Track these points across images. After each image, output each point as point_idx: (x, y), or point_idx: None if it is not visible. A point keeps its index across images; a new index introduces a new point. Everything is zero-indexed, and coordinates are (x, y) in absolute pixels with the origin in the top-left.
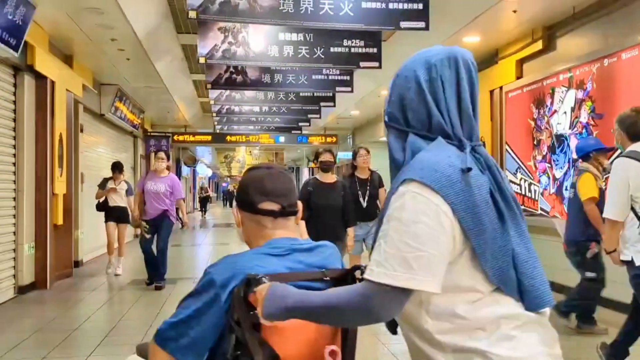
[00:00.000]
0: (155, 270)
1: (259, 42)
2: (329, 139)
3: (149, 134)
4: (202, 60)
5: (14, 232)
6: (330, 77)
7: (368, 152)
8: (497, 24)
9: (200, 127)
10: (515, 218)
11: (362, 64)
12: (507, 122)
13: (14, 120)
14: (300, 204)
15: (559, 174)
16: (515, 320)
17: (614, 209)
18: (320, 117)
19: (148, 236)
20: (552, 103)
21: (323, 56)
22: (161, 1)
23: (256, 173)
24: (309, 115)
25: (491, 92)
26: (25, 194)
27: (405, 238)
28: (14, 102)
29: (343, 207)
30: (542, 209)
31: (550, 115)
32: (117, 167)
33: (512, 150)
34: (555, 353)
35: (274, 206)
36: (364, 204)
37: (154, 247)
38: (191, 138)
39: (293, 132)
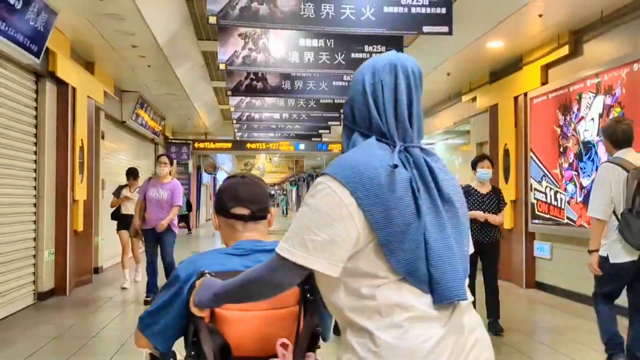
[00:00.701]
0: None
1: (280, 48)
2: None
3: (169, 141)
4: (222, 66)
5: (34, 238)
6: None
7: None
8: (522, 28)
9: (220, 135)
10: (439, 215)
11: None
12: (531, 129)
13: (35, 126)
14: (272, 210)
15: (586, 182)
16: (409, 311)
17: (599, 208)
18: (340, 124)
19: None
20: (579, 109)
21: (344, 62)
22: (181, 7)
23: (231, 182)
24: (329, 123)
25: (515, 98)
26: (46, 199)
27: (307, 222)
28: (35, 109)
29: None
30: (568, 218)
31: (577, 121)
32: (131, 174)
33: (537, 157)
34: (437, 354)
35: (244, 211)
36: None
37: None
38: (211, 145)
39: (313, 139)
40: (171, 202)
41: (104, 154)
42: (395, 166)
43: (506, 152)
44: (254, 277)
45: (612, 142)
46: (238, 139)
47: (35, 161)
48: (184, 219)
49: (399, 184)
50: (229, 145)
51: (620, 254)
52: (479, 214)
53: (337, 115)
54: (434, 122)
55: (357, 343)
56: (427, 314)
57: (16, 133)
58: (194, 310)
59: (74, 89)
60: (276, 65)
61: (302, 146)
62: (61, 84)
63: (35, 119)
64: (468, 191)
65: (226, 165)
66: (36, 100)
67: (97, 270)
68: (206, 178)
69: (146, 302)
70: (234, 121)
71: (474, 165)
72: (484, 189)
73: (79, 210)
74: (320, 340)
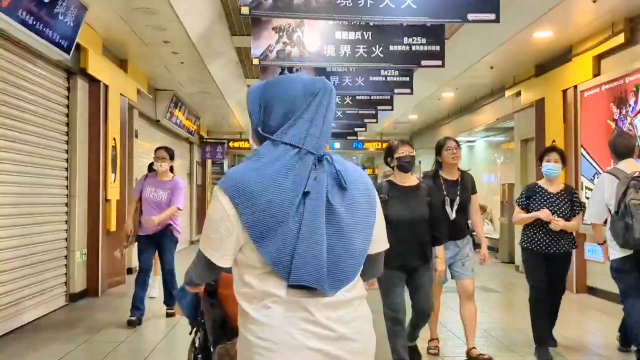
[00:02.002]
0: (167, 293)
1: (315, 42)
2: (385, 145)
3: (204, 140)
4: (255, 61)
5: (66, 239)
6: (388, 79)
7: (458, 145)
8: (573, 16)
9: None
10: (319, 214)
11: (423, 62)
12: (582, 124)
13: (67, 124)
14: None
15: None
16: (274, 296)
17: (594, 214)
18: (377, 122)
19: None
20: (636, 102)
21: (382, 55)
22: (214, 0)
23: None
24: (365, 120)
25: (564, 91)
26: (78, 199)
27: (206, 223)
28: (67, 107)
29: (431, 219)
30: None
31: (634, 115)
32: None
33: (588, 154)
34: (295, 327)
35: None
36: (452, 214)
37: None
38: (246, 145)
39: (348, 137)
40: (171, 204)
41: (137, 153)
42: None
43: None
44: (191, 266)
45: (614, 153)
46: None
47: (67, 160)
48: None
49: (269, 191)
50: None
51: (615, 252)
52: (546, 214)
53: (374, 112)
54: (474, 118)
55: (241, 322)
56: (285, 298)
57: (48, 131)
58: (188, 288)
59: (106, 87)
60: (311, 59)
61: (337, 145)
62: (93, 82)
63: (67, 117)
64: (534, 191)
65: None
66: (68, 97)
67: (130, 271)
68: None
69: (130, 323)
70: None
71: (540, 159)
72: (554, 188)
73: (111, 210)
74: None
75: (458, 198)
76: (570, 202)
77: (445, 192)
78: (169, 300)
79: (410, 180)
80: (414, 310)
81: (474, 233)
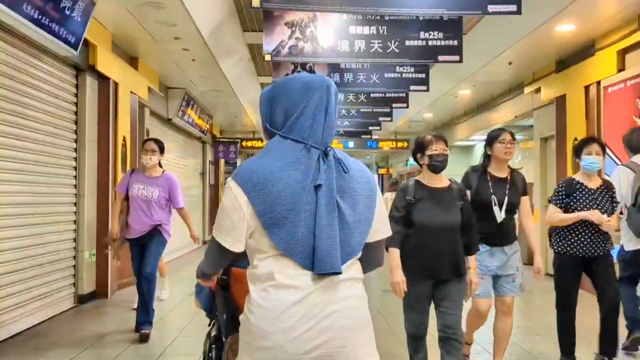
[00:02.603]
0: (143, 306)
1: (328, 37)
2: (399, 144)
3: (217, 139)
4: (267, 57)
5: (74, 239)
6: (404, 75)
7: (514, 138)
8: (597, 9)
9: None
10: (331, 206)
11: (440, 57)
12: (605, 121)
13: (76, 122)
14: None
15: None
16: (275, 280)
17: None
18: (391, 120)
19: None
20: None
21: (397, 50)
22: None
23: None
24: (380, 118)
25: (586, 87)
26: (87, 198)
27: (219, 212)
28: (76, 104)
29: (463, 225)
30: None
31: None
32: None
33: (612, 152)
34: (288, 314)
35: None
36: (500, 216)
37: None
38: (260, 144)
39: (363, 136)
40: (164, 204)
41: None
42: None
43: None
44: (201, 260)
45: (629, 148)
46: None
47: (75, 159)
48: None
49: (280, 182)
50: None
51: (631, 243)
52: (597, 216)
53: (388, 110)
54: (491, 116)
55: (245, 302)
56: (289, 283)
57: (56, 129)
58: (200, 281)
59: (116, 84)
60: (325, 55)
61: (351, 144)
62: (102, 79)
63: (75, 115)
64: (573, 187)
65: None
66: (76, 95)
67: None
68: None
69: (143, 338)
70: None
71: (578, 152)
72: (593, 183)
73: None
74: None
75: (506, 198)
76: (610, 198)
77: (492, 191)
78: (143, 316)
79: (441, 180)
80: (440, 328)
81: None
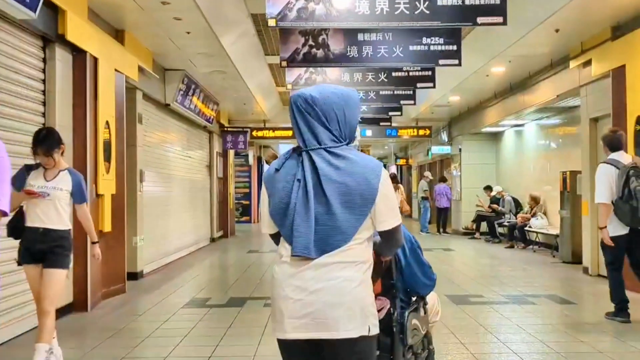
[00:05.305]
0: None
1: None
2: (421, 132)
3: (225, 128)
4: (271, 22)
5: None
6: (432, 47)
7: None
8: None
9: (279, 122)
10: (307, 199)
11: (480, 19)
12: None
13: (44, 103)
14: None
15: None
16: (281, 257)
17: (604, 196)
18: (415, 103)
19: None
20: None
21: (428, 11)
22: None
23: None
24: (402, 102)
25: None
26: None
27: (261, 204)
28: (43, 82)
29: None
30: None
31: None
32: (45, 140)
33: None
34: (282, 286)
35: None
36: None
37: None
38: (271, 134)
39: (381, 124)
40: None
41: (143, 141)
42: (277, 169)
43: None
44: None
45: (609, 147)
46: None
47: None
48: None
49: (276, 179)
50: (290, 133)
51: (616, 229)
52: None
53: (411, 92)
54: (525, 98)
55: None
56: (287, 260)
57: (19, 111)
58: None
59: (95, 59)
60: (340, 18)
61: (368, 132)
62: (78, 52)
63: (43, 95)
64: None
65: None
66: (44, 70)
67: (135, 276)
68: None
69: None
70: None
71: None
72: None
73: (104, 206)
74: None
75: None
76: None
77: None
78: None
79: None
80: None
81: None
